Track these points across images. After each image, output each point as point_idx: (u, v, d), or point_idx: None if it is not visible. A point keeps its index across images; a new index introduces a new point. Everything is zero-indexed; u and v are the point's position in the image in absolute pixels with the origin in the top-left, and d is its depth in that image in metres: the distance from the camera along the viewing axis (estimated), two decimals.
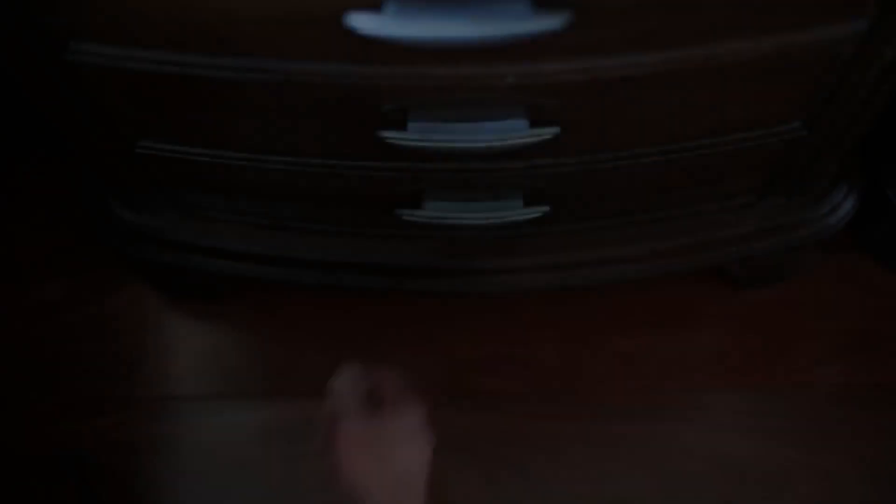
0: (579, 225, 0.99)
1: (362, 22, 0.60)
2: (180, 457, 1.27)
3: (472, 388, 1.21)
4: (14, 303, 1.34)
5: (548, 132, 0.77)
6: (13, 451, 1.30)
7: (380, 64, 0.68)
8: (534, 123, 0.76)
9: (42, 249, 1.36)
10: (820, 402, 1.28)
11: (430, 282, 1.04)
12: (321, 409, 0.83)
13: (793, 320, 1.31)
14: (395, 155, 0.82)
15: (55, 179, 1.36)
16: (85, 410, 1.30)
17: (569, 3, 0.61)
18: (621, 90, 0.75)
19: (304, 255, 1.04)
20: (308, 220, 0.99)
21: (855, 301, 1.33)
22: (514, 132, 0.76)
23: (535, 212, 0.90)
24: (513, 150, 0.79)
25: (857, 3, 0.67)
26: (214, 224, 1.03)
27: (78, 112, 0.81)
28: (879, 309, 1.33)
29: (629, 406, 1.24)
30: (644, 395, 1.23)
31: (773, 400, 1.27)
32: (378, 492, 0.81)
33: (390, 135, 0.76)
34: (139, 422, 1.27)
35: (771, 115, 0.82)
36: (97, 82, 0.75)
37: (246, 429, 1.27)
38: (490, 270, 1.03)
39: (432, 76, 0.68)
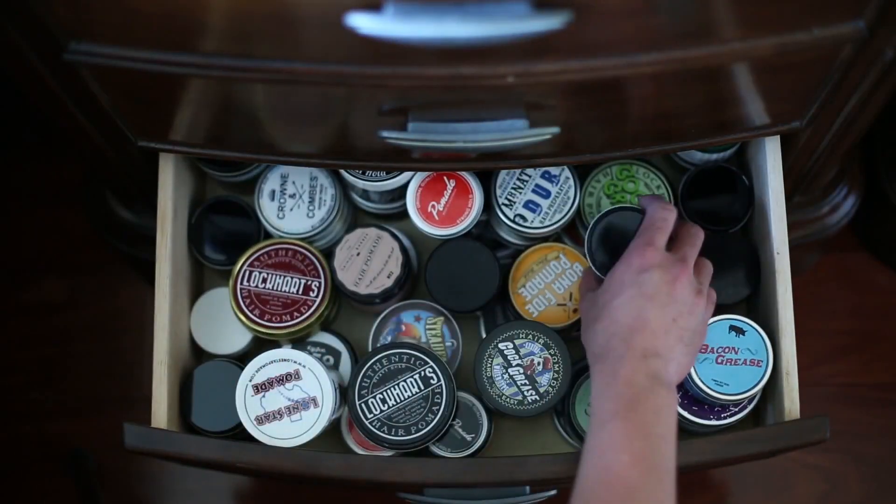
0: None
1: (362, 22, 0.60)
2: None
3: None
4: (14, 303, 1.34)
5: (548, 132, 0.77)
6: (13, 450, 1.30)
7: (380, 64, 0.68)
8: (534, 123, 0.76)
9: (42, 249, 1.36)
10: (820, 401, 1.28)
11: None
12: None
13: None
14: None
15: (55, 179, 1.36)
16: (85, 410, 1.30)
17: (569, 3, 0.61)
18: (621, 90, 0.75)
19: None
20: None
21: (855, 301, 1.33)
22: (514, 132, 0.76)
23: None
24: (512, 149, 0.80)
25: (857, 3, 0.67)
26: None
27: (78, 112, 0.81)
28: (879, 309, 1.33)
29: None
30: None
31: None
32: None
33: (390, 135, 0.76)
34: (139, 422, 1.27)
35: (771, 115, 0.83)
36: (97, 82, 0.75)
37: None
38: None
39: (432, 76, 0.68)
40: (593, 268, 0.89)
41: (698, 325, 0.83)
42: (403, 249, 0.94)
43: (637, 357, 0.78)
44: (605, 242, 0.89)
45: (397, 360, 0.90)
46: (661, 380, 0.78)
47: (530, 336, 0.91)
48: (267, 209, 0.96)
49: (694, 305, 0.82)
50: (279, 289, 0.94)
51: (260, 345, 0.96)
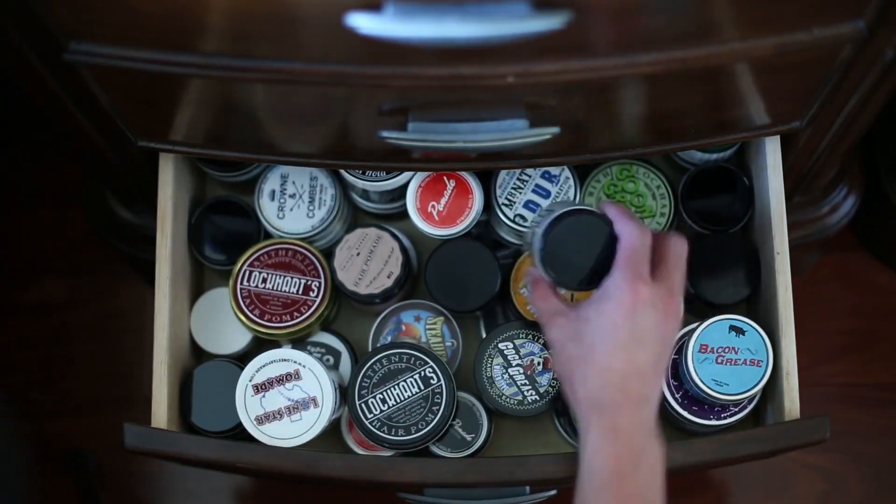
0: None
1: (362, 22, 0.60)
2: None
3: None
4: (14, 303, 1.34)
5: (547, 132, 0.77)
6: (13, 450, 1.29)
7: (380, 64, 0.68)
8: (534, 123, 0.76)
9: (42, 249, 1.36)
10: (820, 401, 1.28)
11: None
12: None
13: None
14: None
15: (55, 179, 1.36)
16: (85, 410, 1.30)
17: (569, 3, 0.61)
18: (621, 90, 0.75)
19: None
20: None
21: (855, 301, 1.33)
22: (514, 132, 0.76)
23: None
24: (512, 149, 0.79)
25: (857, 3, 0.67)
26: None
27: (78, 112, 0.81)
28: (879, 309, 1.33)
29: None
30: None
31: None
32: None
33: (390, 135, 0.76)
34: (139, 422, 1.27)
35: (771, 115, 0.83)
36: (97, 82, 0.75)
37: None
38: None
39: (432, 76, 0.68)
40: (548, 277, 0.83)
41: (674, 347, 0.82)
42: (403, 249, 0.94)
43: (633, 407, 0.76)
44: (559, 251, 0.82)
45: (397, 360, 0.90)
46: (654, 429, 0.77)
47: (530, 336, 0.91)
48: (267, 209, 0.96)
49: (676, 336, 0.81)
50: (279, 289, 0.94)
51: (260, 345, 0.96)
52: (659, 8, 0.64)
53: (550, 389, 0.91)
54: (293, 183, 0.96)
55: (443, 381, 0.89)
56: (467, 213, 0.92)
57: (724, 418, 0.91)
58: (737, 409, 0.91)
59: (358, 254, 0.93)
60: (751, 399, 0.91)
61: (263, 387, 0.89)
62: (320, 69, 0.68)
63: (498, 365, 0.91)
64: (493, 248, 0.95)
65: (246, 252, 0.94)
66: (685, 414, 0.91)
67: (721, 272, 0.93)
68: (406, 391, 0.89)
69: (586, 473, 0.76)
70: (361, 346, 0.99)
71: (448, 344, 0.97)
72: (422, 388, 0.89)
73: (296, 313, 0.93)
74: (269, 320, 0.93)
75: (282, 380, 0.89)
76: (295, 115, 0.79)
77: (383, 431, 0.89)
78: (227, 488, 1.28)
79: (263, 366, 0.89)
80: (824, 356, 1.30)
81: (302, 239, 0.95)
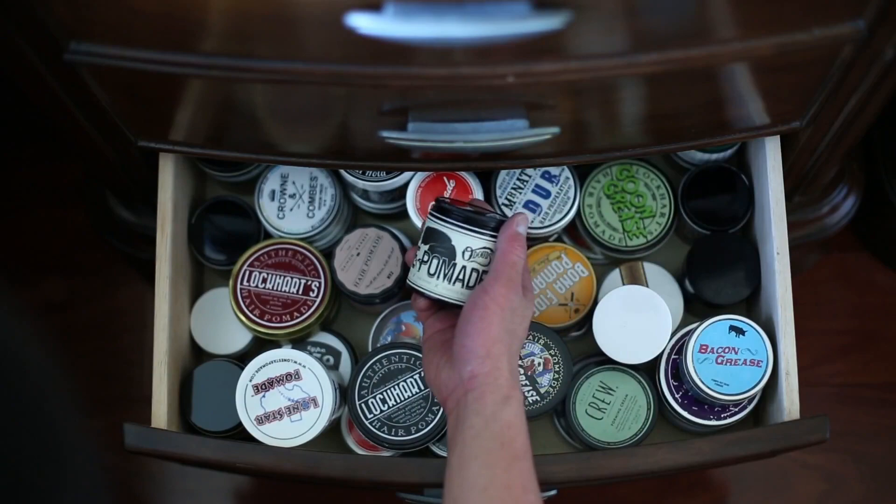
0: None
1: (362, 22, 0.61)
2: None
3: None
4: (14, 302, 1.34)
5: (548, 132, 0.77)
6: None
7: (380, 64, 0.68)
8: (534, 123, 0.76)
9: (42, 249, 1.36)
10: (820, 401, 1.28)
11: None
12: None
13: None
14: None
15: (55, 179, 1.36)
16: (85, 410, 1.30)
17: (569, 3, 0.61)
18: (621, 90, 0.75)
19: None
20: None
21: (855, 301, 1.33)
22: (514, 132, 0.76)
23: None
24: (512, 149, 0.80)
25: (857, 3, 0.67)
26: None
27: (78, 112, 0.81)
28: (879, 309, 1.33)
29: None
30: None
31: None
32: None
33: (390, 135, 0.76)
34: (139, 422, 1.27)
35: (771, 115, 0.83)
36: (97, 82, 0.75)
37: None
38: None
39: (432, 76, 0.68)
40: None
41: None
42: (403, 249, 0.94)
43: None
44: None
45: (397, 360, 0.90)
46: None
47: (530, 336, 0.91)
48: (267, 209, 0.96)
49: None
50: (279, 289, 0.94)
51: (260, 345, 0.96)
52: (659, 8, 0.64)
53: (551, 390, 0.91)
54: (293, 183, 0.96)
55: None
56: None
57: (724, 418, 0.91)
58: (737, 409, 0.91)
59: (358, 254, 0.93)
60: (751, 399, 0.91)
61: (263, 387, 0.89)
62: (320, 69, 0.69)
63: None
64: None
65: (246, 252, 0.94)
66: (685, 414, 0.91)
67: (721, 272, 0.93)
68: (406, 391, 0.89)
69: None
70: (361, 346, 0.99)
71: None
72: (422, 388, 0.89)
73: (296, 313, 0.93)
74: (269, 320, 0.93)
75: (282, 380, 0.89)
76: (295, 115, 0.79)
77: (383, 431, 0.89)
78: (227, 488, 1.28)
79: (263, 366, 0.89)
80: (824, 356, 1.30)
81: (302, 239, 0.95)
